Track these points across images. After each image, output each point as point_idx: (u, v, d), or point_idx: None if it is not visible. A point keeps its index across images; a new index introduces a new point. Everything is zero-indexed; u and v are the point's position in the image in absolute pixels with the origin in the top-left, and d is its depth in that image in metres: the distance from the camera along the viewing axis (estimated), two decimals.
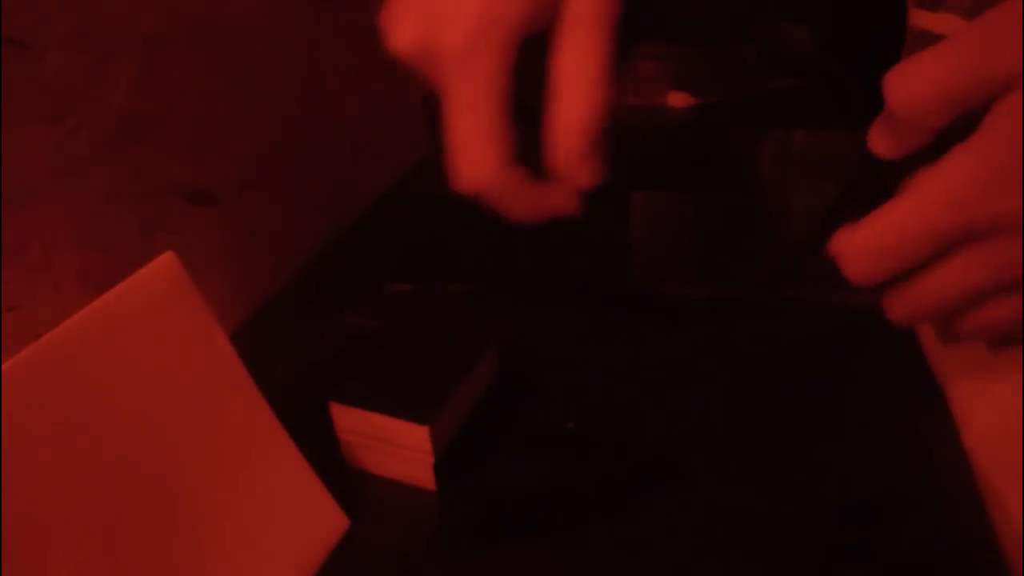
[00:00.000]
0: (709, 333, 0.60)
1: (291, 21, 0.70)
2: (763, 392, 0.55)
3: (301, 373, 0.59)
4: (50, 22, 0.48)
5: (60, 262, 0.50)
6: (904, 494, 0.46)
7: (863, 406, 0.53)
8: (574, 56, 0.33)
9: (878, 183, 0.31)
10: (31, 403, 0.35)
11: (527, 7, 0.33)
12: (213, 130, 0.62)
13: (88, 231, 0.52)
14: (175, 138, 0.59)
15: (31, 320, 0.48)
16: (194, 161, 0.61)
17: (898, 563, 0.43)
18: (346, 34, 0.78)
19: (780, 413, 0.53)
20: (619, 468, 0.50)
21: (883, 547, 0.44)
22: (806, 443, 0.50)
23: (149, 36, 0.55)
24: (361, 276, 0.71)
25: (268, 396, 0.45)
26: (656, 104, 0.67)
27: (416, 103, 0.92)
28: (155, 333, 0.41)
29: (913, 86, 0.29)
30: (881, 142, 0.31)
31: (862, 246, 0.32)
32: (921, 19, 0.44)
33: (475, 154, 0.33)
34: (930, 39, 0.43)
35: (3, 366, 0.35)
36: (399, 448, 0.49)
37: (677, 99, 0.84)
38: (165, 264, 0.42)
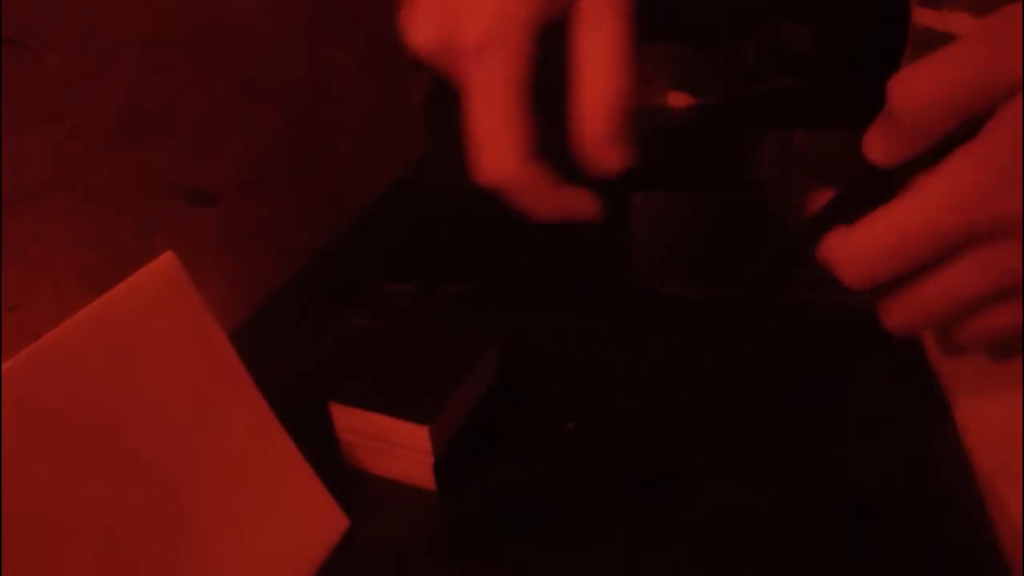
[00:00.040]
0: (709, 333, 0.60)
1: (291, 21, 0.70)
2: (763, 392, 0.55)
3: (301, 373, 0.59)
4: (50, 22, 0.48)
5: (60, 262, 0.50)
6: (904, 494, 0.47)
7: (863, 406, 0.53)
8: (594, 38, 0.32)
9: (873, 189, 0.31)
10: (31, 403, 0.35)
11: None
12: (213, 130, 0.62)
13: (88, 231, 0.52)
14: (175, 138, 0.59)
15: (31, 320, 0.48)
16: (194, 161, 0.61)
17: (898, 563, 0.43)
18: (346, 34, 0.78)
19: (780, 413, 0.53)
20: (619, 468, 0.50)
21: (883, 547, 0.44)
22: (806, 443, 0.50)
23: (149, 36, 0.55)
24: (361, 276, 0.71)
25: (268, 396, 0.45)
26: (656, 104, 0.67)
27: (416, 103, 0.92)
28: (155, 333, 0.41)
29: (918, 91, 0.28)
30: (878, 148, 0.31)
31: (860, 248, 0.31)
32: (924, 17, 0.44)
33: (495, 147, 0.33)
34: (933, 37, 0.43)
35: (3, 366, 0.35)
36: (399, 448, 0.49)
37: (677, 99, 0.84)
38: (165, 264, 0.42)
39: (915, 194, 0.29)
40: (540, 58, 0.33)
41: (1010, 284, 0.30)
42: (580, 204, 0.35)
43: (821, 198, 0.33)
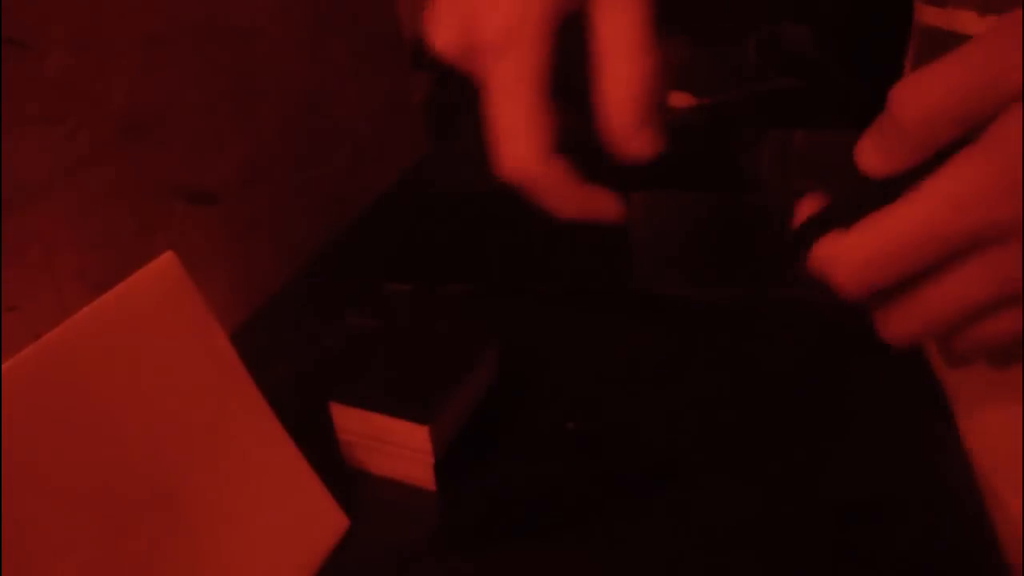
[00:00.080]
0: (709, 333, 0.60)
1: (291, 21, 0.70)
2: (763, 392, 0.55)
3: (301, 373, 0.59)
4: (50, 22, 0.48)
5: (60, 262, 0.50)
6: (904, 494, 0.46)
7: (863, 406, 0.53)
8: (614, 26, 0.32)
9: (863, 200, 0.30)
10: (31, 403, 0.35)
11: None
12: (213, 130, 0.62)
13: (88, 231, 0.52)
14: (175, 138, 0.59)
15: (31, 320, 0.48)
16: (194, 161, 0.61)
17: (898, 563, 0.43)
18: (346, 34, 0.78)
19: (780, 413, 0.53)
20: (619, 468, 0.50)
21: (883, 547, 0.44)
22: (806, 443, 0.50)
23: (149, 36, 0.55)
24: (361, 276, 0.71)
25: (268, 396, 0.45)
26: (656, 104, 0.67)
27: (416, 103, 0.92)
28: (155, 333, 0.41)
29: (922, 99, 0.28)
30: (874, 158, 0.30)
31: (857, 253, 0.30)
32: (929, 15, 0.44)
33: (516, 143, 0.33)
34: (938, 35, 0.43)
35: (3, 366, 0.35)
36: (399, 448, 0.49)
37: (677, 99, 0.84)
38: (165, 264, 0.42)
39: (915, 197, 0.29)
40: (560, 53, 0.33)
41: (1012, 291, 0.29)
42: (603, 204, 0.35)
43: (809, 207, 0.32)
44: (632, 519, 0.47)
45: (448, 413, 0.50)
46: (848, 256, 0.30)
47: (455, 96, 0.89)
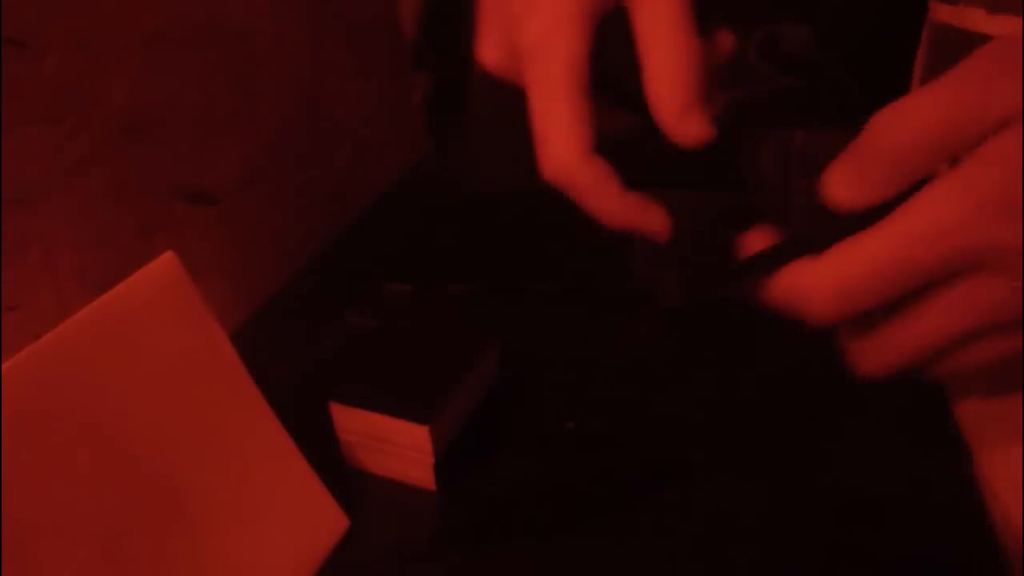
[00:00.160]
0: (709, 333, 0.60)
1: (291, 21, 0.70)
2: (763, 392, 0.55)
3: (301, 373, 0.59)
4: (50, 22, 0.48)
5: (60, 262, 0.50)
6: (904, 494, 0.47)
7: (863, 406, 0.53)
8: (655, 15, 0.32)
9: (827, 235, 0.29)
10: (31, 403, 0.35)
11: None
12: (213, 130, 0.62)
13: (88, 231, 0.52)
14: (175, 138, 0.59)
15: (31, 320, 0.48)
16: (194, 161, 0.61)
17: (898, 563, 0.43)
18: (346, 34, 0.78)
19: (780, 413, 0.53)
20: (619, 468, 0.50)
21: (883, 547, 0.44)
22: (806, 443, 0.50)
23: (149, 36, 0.55)
24: (361, 276, 0.71)
25: (268, 396, 0.45)
26: None
27: (416, 103, 0.92)
28: (155, 333, 0.41)
29: (905, 127, 0.27)
30: (847, 189, 0.29)
31: (831, 281, 0.29)
32: (942, 13, 0.44)
33: (555, 142, 0.32)
34: (950, 32, 0.43)
35: (3, 366, 0.35)
36: (399, 448, 0.49)
37: None
38: (165, 264, 0.42)
39: (891, 224, 0.27)
40: (606, 53, 0.33)
41: (992, 321, 0.28)
42: (648, 215, 0.33)
43: (759, 238, 0.32)
44: (632, 519, 0.47)
45: (448, 413, 0.50)
46: (821, 284, 0.29)
47: (455, 96, 0.89)
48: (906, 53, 0.49)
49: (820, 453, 0.50)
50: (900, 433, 0.50)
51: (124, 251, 0.55)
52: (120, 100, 0.54)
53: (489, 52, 0.35)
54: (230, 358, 0.44)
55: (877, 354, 0.31)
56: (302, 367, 0.59)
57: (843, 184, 0.29)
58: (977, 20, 0.41)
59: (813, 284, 0.29)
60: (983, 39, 0.40)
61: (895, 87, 0.47)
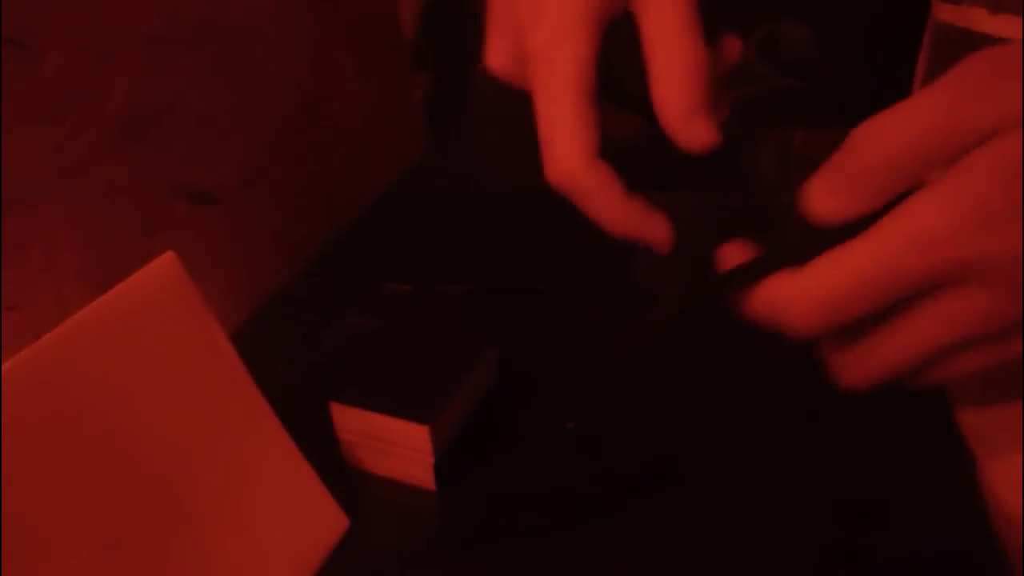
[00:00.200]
0: (709, 333, 0.60)
1: (291, 21, 0.70)
2: (763, 392, 0.55)
3: (301, 373, 0.59)
4: (50, 22, 0.48)
5: (60, 262, 0.50)
6: (904, 494, 0.46)
7: (863, 406, 0.53)
8: (661, 18, 0.32)
9: (811, 243, 0.28)
10: (31, 403, 0.35)
11: None
12: (213, 130, 0.62)
13: (88, 231, 0.52)
14: (175, 138, 0.59)
15: (31, 320, 0.48)
16: (194, 161, 0.61)
17: (898, 563, 0.43)
18: (346, 34, 0.78)
19: (780, 413, 0.53)
20: (619, 468, 0.50)
21: (883, 547, 0.44)
22: (806, 444, 0.50)
23: (149, 36, 0.55)
24: (361, 276, 0.71)
25: (268, 396, 0.45)
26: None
27: (416, 103, 0.92)
28: (155, 333, 0.41)
29: (889, 140, 0.27)
30: (828, 202, 0.28)
31: (813, 293, 0.28)
32: (945, 13, 0.44)
33: (559, 146, 0.32)
34: (953, 32, 0.43)
35: (3, 366, 0.35)
36: (399, 448, 0.49)
37: None
38: (165, 264, 0.42)
39: (873, 235, 0.27)
40: (613, 58, 0.33)
41: (977, 332, 0.28)
42: (650, 225, 0.33)
43: (736, 252, 0.32)
44: (632, 519, 0.47)
45: (448, 413, 0.50)
46: (802, 296, 0.29)
47: (455, 96, 0.89)
48: (908, 53, 0.49)
49: (820, 453, 0.49)
50: (900, 433, 0.50)
51: (124, 251, 0.55)
52: (120, 100, 0.54)
53: (497, 57, 0.35)
54: (230, 358, 0.44)
55: (860, 366, 0.31)
56: (302, 367, 0.59)
57: (824, 197, 0.29)
58: (979, 20, 0.41)
59: (794, 296, 0.29)
60: (985, 39, 0.40)
61: (897, 87, 0.47)
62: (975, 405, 0.48)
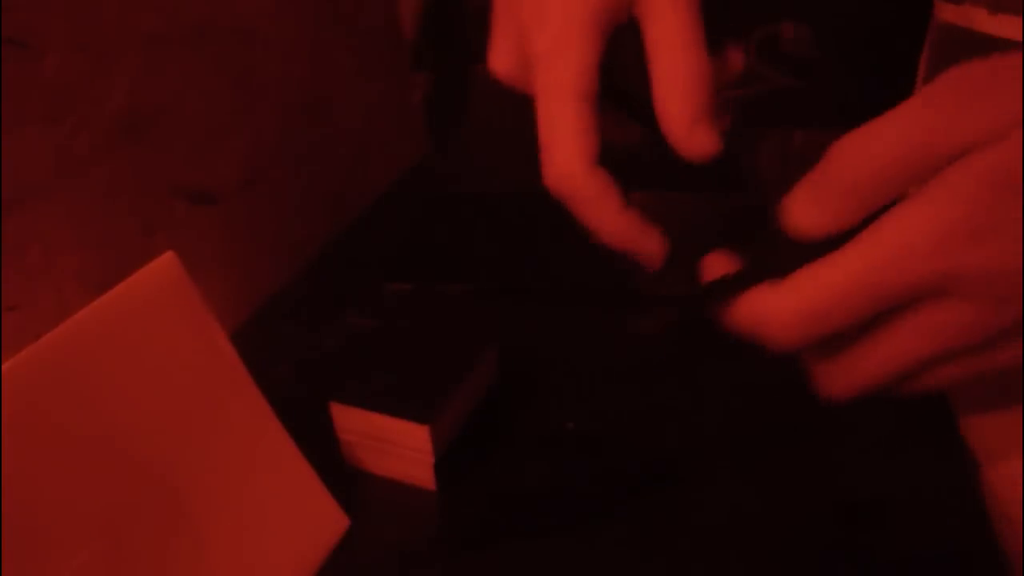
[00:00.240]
0: (709, 333, 0.60)
1: (291, 21, 0.70)
2: (763, 392, 0.55)
3: (301, 373, 0.59)
4: (50, 22, 0.48)
5: (60, 262, 0.50)
6: (904, 494, 0.46)
7: (863, 406, 0.53)
8: (665, 26, 0.32)
9: (791, 256, 0.28)
10: (31, 403, 0.35)
11: None
12: (213, 130, 0.62)
13: (88, 231, 0.52)
14: (175, 138, 0.59)
15: (31, 320, 0.48)
16: (194, 161, 0.61)
17: (898, 563, 0.43)
18: (346, 34, 0.78)
19: (780, 413, 0.53)
20: (619, 468, 0.50)
21: (883, 547, 0.44)
22: (806, 444, 0.50)
23: (149, 36, 0.55)
24: (361, 276, 0.71)
25: (268, 396, 0.45)
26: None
27: (416, 103, 0.92)
28: (155, 333, 0.41)
29: (871, 154, 0.27)
30: (808, 216, 0.28)
31: (794, 305, 0.28)
32: (947, 13, 0.44)
33: (558, 150, 0.32)
34: (955, 32, 0.43)
35: (3, 366, 0.35)
36: (399, 448, 0.49)
37: None
38: (165, 264, 0.42)
39: (853, 249, 0.27)
40: (616, 64, 0.33)
41: (960, 344, 0.28)
42: (644, 239, 0.33)
43: (719, 264, 0.32)
44: (632, 519, 0.47)
45: (448, 413, 0.50)
46: (784, 309, 0.29)
47: (455, 96, 0.89)
48: (909, 53, 0.49)
49: (820, 453, 0.49)
50: (900, 433, 0.50)
51: (124, 251, 0.55)
52: (120, 100, 0.54)
53: (500, 61, 0.36)
54: (230, 358, 0.44)
55: (843, 377, 0.31)
56: (302, 367, 0.59)
57: (804, 212, 0.28)
58: (980, 20, 0.41)
59: (775, 309, 0.29)
60: (986, 39, 0.40)
61: (897, 87, 0.47)
62: (976, 406, 0.48)
